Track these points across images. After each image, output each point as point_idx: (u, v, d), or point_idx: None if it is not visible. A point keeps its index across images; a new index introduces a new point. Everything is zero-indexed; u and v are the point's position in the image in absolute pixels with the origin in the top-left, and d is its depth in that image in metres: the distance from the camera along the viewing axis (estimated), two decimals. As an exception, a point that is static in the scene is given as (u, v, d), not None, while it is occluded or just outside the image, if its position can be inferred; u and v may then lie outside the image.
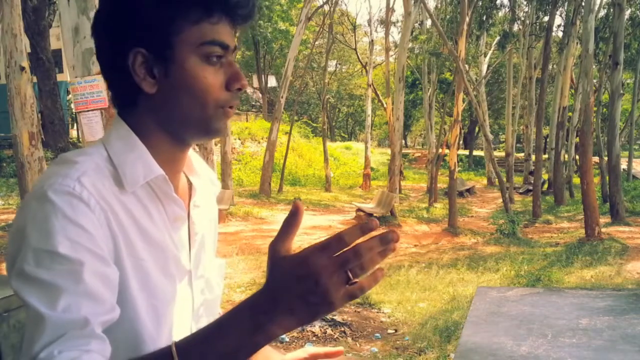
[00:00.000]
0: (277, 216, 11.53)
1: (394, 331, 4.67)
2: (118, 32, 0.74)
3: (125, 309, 0.69)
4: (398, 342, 4.38)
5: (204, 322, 0.87)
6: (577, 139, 14.31)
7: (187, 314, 0.81)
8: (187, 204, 0.83)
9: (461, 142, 30.25)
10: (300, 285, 0.58)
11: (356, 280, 0.58)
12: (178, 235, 0.80)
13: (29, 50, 10.70)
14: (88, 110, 3.53)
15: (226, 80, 0.75)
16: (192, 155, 0.88)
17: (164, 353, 0.64)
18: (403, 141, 24.84)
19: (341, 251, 0.58)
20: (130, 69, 0.73)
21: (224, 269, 0.95)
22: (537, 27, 19.65)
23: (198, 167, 0.88)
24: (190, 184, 0.87)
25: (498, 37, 21.70)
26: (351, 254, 0.57)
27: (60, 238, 0.63)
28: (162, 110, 0.75)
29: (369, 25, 22.58)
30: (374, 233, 0.60)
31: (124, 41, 0.73)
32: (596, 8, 13.29)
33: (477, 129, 33.32)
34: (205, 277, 0.86)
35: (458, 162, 13.89)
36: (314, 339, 4.34)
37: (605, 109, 20.36)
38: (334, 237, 0.58)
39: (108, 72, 0.77)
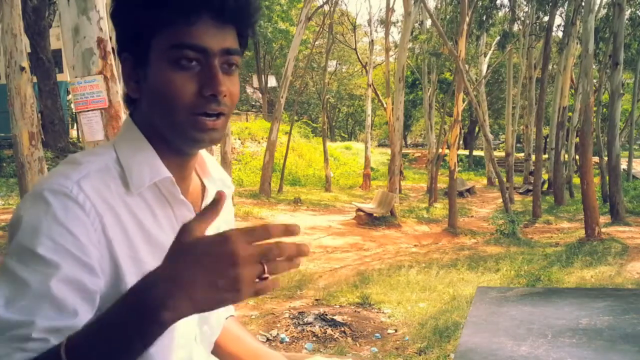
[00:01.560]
0: (278, 216, 11.53)
1: (394, 331, 4.67)
2: (117, 38, 0.75)
3: None
4: (398, 342, 4.38)
5: (213, 321, 0.86)
6: (577, 139, 14.31)
7: (191, 317, 0.81)
8: (199, 208, 0.82)
9: (461, 142, 30.26)
10: (211, 266, 0.53)
11: (267, 276, 0.55)
12: None
13: (29, 50, 10.70)
14: (88, 110, 3.53)
15: (199, 85, 0.70)
16: (207, 157, 0.87)
17: (52, 352, 0.59)
18: (403, 141, 24.84)
19: (264, 242, 0.55)
20: (122, 73, 0.74)
21: None
22: (537, 27, 19.64)
23: (212, 170, 0.88)
24: (203, 187, 0.86)
25: (498, 37, 21.68)
26: (275, 248, 0.55)
27: (44, 239, 0.63)
28: (147, 114, 0.75)
29: (369, 25, 22.58)
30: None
31: (119, 46, 0.74)
32: (596, 8, 13.30)
33: (477, 129, 33.33)
34: None
35: (458, 162, 13.89)
36: (314, 339, 4.34)
37: (605, 109, 20.36)
38: (261, 227, 0.55)
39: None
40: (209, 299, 0.55)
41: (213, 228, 0.85)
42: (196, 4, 0.68)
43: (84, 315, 0.64)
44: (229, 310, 1.03)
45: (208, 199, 0.83)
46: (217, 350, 0.95)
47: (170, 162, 0.76)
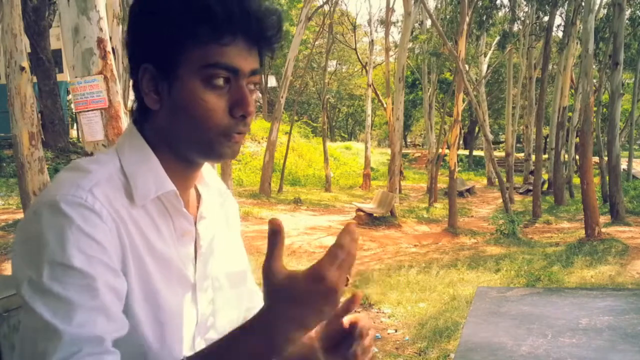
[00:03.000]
0: (278, 216, 11.51)
1: (393, 331, 4.67)
2: (132, 46, 0.74)
3: (129, 321, 0.69)
4: (398, 342, 4.38)
5: (221, 320, 0.86)
6: (577, 139, 14.31)
7: (190, 326, 0.80)
8: (195, 217, 0.82)
9: (461, 142, 30.25)
10: (317, 300, 0.60)
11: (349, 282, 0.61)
12: (185, 248, 0.79)
13: (29, 50, 10.70)
14: (88, 110, 3.53)
15: (229, 105, 0.71)
16: (205, 166, 0.86)
17: None
18: (403, 141, 24.84)
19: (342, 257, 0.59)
20: (139, 83, 0.73)
21: (246, 275, 0.93)
22: (537, 27, 19.64)
23: (207, 177, 0.87)
24: (198, 195, 0.85)
25: (498, 37, 21.69)
26: (349, 258, 0.60)
27: (74, 251, 0.63)
28: (165, 128, 0.74)
29: (369, 25, 22.61)
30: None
31: (136, 55, 0.73)
32: (596, 8, 13.29)
33: (477, 129, 33.33)
34: (214, 287, 0.84)
35: (458, 162, 13.89)
36: (314, 339, 4.33)
37: (605, 109, 20.36)
38: (337, 248, 0.59)
39: (133, 88, 0.76)
40: (317, 322, 0.63)
41: (211, 236, 0.85)
42: (235, 26, 0.69)
43: (126, 321, 0.67)
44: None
45: (202, 207, 0.84)
46: None
47: (174, 173, 0.76)
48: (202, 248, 0.83)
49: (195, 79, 0.70)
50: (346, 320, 0.77)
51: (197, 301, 0.81)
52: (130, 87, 0.79)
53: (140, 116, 0.77)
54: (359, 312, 0.65)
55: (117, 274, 0.67)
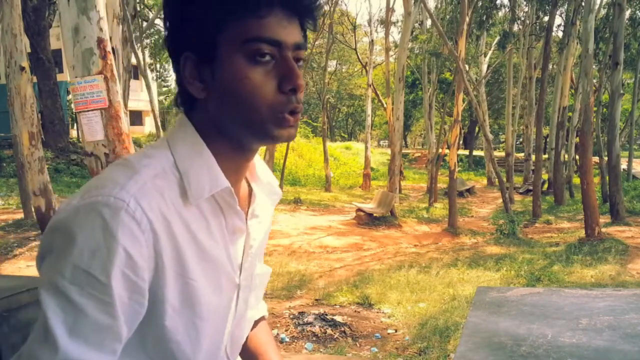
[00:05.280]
0: (277, 216, 11.52)
1: (394, 331, 4.67)
2: (171, 38, 0.71)
3: (160, 327, 0.67)
4: (398, 342, 4.38)
5: (244, 323, 0.86)
6: (577, 139, 14.30)
7: (225, 325, 0.79)
8: (245, 212, 0.79)
9: (461, 142, 30.26)
10: None
11: None
12: (234, 247, 0.76)
13: (29, 50, 10.70)
14: (88, 110, 3.53)
15: (277, 80, 0.68)
16: (257, 160, 0.84)
17: None
18: (403, 141, 24.84)
19: None
20: (181, 74, 0.70)
21: (268, 277, 0.91)
22: (537, 27, 19.65)
23: (261, 173, 0.84)
24: (250, 190, 0.82)
25: (498, 37, 21.69)
26: None
27: (101, 260, 0.60)
28: (215, 115, 0.71)
29: (369, 25, 22.59)
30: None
31: (176, 46, 0.70)
32: (596, 8, 13.29)
33: (477, 129, 33.34)
34: (250, 287, 0.83)
35: (458, 162, 13.89)
36: (314, 339, 4.34)
37: (605, 109, 20.36)
38: None
39: (177, 81, 0.73)
40: None
41: (260, 236, 0.83)
42: None
43: (127, 336, 0.65)
44: (260, 310, 0.99)
45: (255, 204, 0.80)
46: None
47: (227, 166, 0.73)
48: (252, 248, 0.80)
49: (237, 58, 0.66)
50: None
51: (238, 301, 0.79)
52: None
53: (187, 107, 0.73)
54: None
55: (139, 291, 0.64)
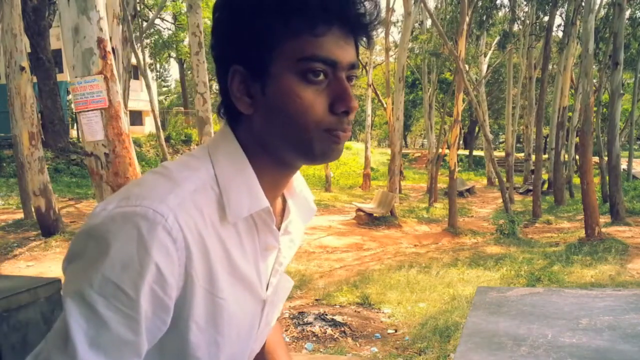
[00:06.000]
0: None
1: (394, 331, 4.67)
2: (219, 48, 0.69)
3: (182, 341, 0.66)
4: (398, 342, 4.38)
5: (262, 334, 0.85)
6: (577, 139, 14.31)
7: (249, 343, 0.78)
8: (279, 228, 0.78)
9: (461, 142, 30.27)
10: None
11: None
12: (265, 264, 0.75)
13: (29, 50, 10.70)
14: (88, 110, 3.53)
15: (330, 101, 0.66)
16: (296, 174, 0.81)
17: None
18: (403, 141, 24.84)
19: None
20: (228, 87, 0.68)
21: (289, 291, 0.89)
22: (537, 27, 19.65)
23: (297, 186, 0.81)
24: (284, 204, 0.80)
25: (498, 37, 21.71)
26: None
27: (131, 275, 0.59)
28: (261, 131, 0.68)
29: (369, 25, 22.55)
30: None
31: (224, 57, 0.68)
32: (596, 8, 13.29)
33: (477, 129, 33.34)
34: (274, 302, 0.82)
35: (458, 162, 13.89)
36: (314, 339, 4.34)
37: (605, 109, 20.37)
38: None
39: (221, 92, 0.71)
40: None
41: (291, 253, 0.82)
42: (330, 14, 0.63)
43: (145, 351, 0.63)
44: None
45: (288, 220, 0.79)
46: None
47: (267, 183, 0.71)
48: (282, 266, 0.79)
49: (290, 75, 0.64)
50: None
51: (263, 316, 0.79)
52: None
53: (232, 121, 0.71)
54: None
55: (165, 311, 0.62)
